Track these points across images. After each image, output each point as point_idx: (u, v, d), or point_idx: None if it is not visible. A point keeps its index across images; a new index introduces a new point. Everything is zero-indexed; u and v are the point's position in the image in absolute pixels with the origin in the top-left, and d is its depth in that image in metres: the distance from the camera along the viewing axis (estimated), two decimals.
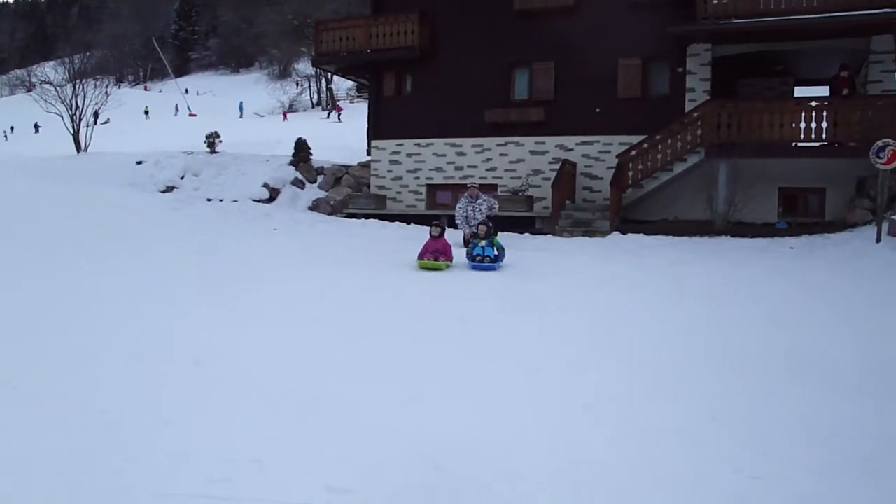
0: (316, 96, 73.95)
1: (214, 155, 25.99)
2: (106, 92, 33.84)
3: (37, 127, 57.08)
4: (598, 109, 20.34)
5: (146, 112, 68.62)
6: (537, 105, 21.14)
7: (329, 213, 22.17)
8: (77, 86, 31.92)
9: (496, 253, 12.64)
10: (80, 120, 31.40)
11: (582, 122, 20.52)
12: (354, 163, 25.26)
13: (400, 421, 5.19)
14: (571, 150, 20.76)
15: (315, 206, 22.68)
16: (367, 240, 16.51)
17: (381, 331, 7.92)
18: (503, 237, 14.46)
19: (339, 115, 58.25)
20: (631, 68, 20.16)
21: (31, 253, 12.00)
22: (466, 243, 14.22)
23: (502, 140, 21.65)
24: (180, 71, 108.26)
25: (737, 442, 4.93)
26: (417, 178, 22.89)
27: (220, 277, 10.96)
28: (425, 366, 6.59)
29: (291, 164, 24.20)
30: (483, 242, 12.72)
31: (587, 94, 20.31)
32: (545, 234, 18.31)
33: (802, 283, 11.29)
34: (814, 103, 17.47)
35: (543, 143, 21.16)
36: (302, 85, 77.08)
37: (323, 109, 68.53)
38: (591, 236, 17.36)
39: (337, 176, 24.27)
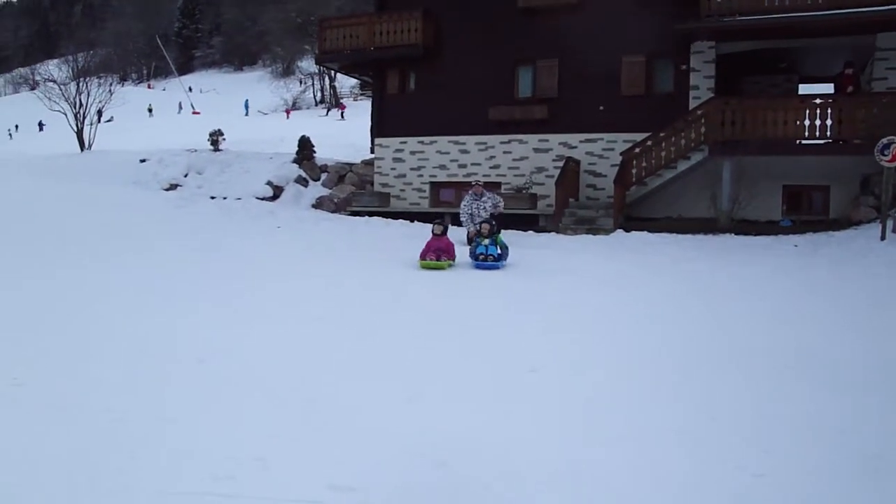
0: (319, 94, 73.93)
1: (218, 153, 26.01)
2: (109, 90, 33.89)
3: (41, 125, 57.16)
4: (601, 107, 20.32)
5: (150, 110, 68.70)
6: (541, 103, 21.12)
7: (333, 211, 22.17)
8: (81, 84, 31.98)
9: (499, 252, 12.59)
10: (84, 118, 31.44)
11: (586, 120, 20.49)
12: (358, 160, 25.26)
13: (402, 419, 5.18)
14: (575, 147, 20.74)
15: (319, 204, 22.70)
16: (370, 238, 16.50)
17: (383, 329, 7.91)
18: (507, 235, 14.45)
19: (342, 112, 58.28)
20: (635, 66, 20.13)
21: (34, 251, 12.01)
22: (470, 241, 14.20)
23: (506, 138, 21.64)
24: (184, 69, 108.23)
25: (740, 440, 4.92)
26: (421, 175, 22.89)
27: (224, 275, 10.97)
28: (427, 365, 6.58)
29: (295, 161, 24.21)
30: (486, 241, 12.67)
31: (591, 92, 20.29)
32: (549, 231, 18.30)
33: (806, 281, 11.28)
34: (818, 101, 17.45)
35: (547, 140, 21.14)
36: (305, 83, 77.04)
37: (322, 107, 68.61)
38: (594, 234, 17.34)
39: (340, 174, 24.28)
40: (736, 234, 16.61)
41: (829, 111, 16.98)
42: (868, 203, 16.81)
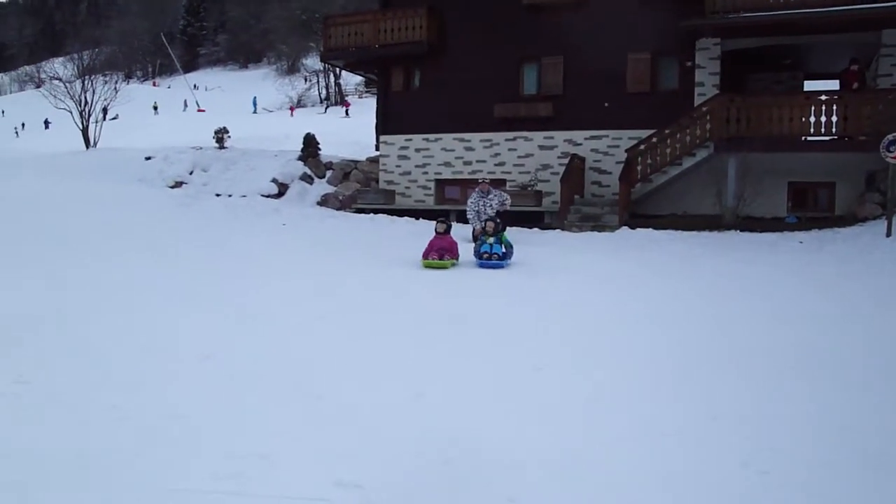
0: (324, 92, 73.95)
1: (223, 150, 26.00)
2: (115, 88, 33.93)
3: (47, 123, 57.25)
4: (606, 104, 20.31)
5: (155, 108, 68.70)
6: (546, 100, 21.11)
7: (338, 209, 22.17)
8: (86, 82, 32.00)
9: (504, 250, 12.53)
10: (89, 116, 31.48)
11: (591, 117, 20.48)
12: (363, 158, 25.26)
13: (407, 417, 5.19)
14: (580, 144, 20.73)
15: (324, 202, 22.69)
16: (375, 235, 16.52)
17: (387, 328, 7.92)
18: (512, 232, 14.44)
19: (346, 110, 58.33)
20: (640, 62, 20.11)
21: (39, 249, 12.04)
22: (476, 238, 14.19)
23: (511, 135, 21.63)
24: (189, 67, 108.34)
25: (744, 438, 4.92)
26: (426, 173, 22.89)
27: (229, 273, 10.99)
28: (431, 363, 6.59)
29: (300, 159, 24.20)
30: (491, 239, 12.61)
31: (596, 89, 20.28)
32: (554, 228, 18.30)
33: (811, 279, 11.26)
34: (823, 97, 17.44)
35: (552, 137, 21.13)
36: (310, 80, 77.07)
37: (322, 104, 68.76)
38: (599, 231, 17.34)
39: (345, 171, 24.28)
40: (741, 230, 16.58)
41: (834, 108, 16.96)
42: (873, 200, 16.79)
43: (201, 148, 26.37)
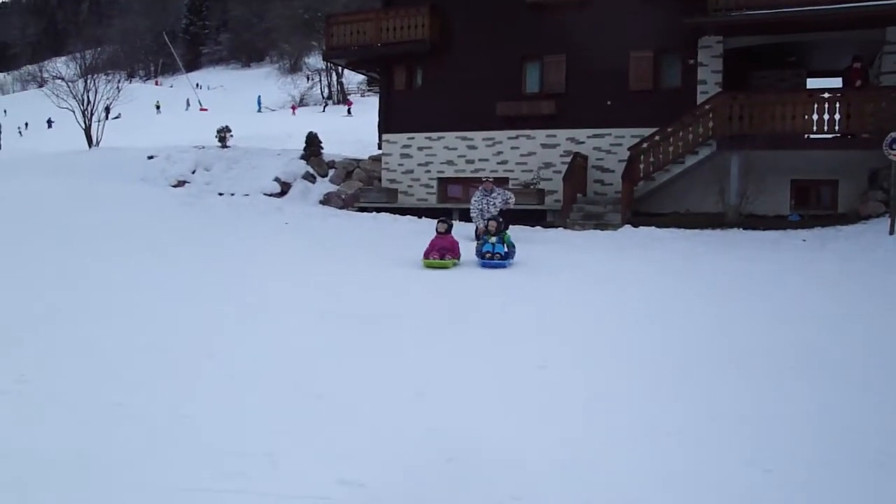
0: (327, 90, 73.99)
1: (226, 149, 26.01)
2: (117, 87, 33.96)
3: (49, 122, 57.28)
4: (609, 102, 20.29)
5: (157, 107, 68.78)
6: (549, 98, 21.09)
7: (340, 207, 22.17)
8: (88, 81, 32.02)
9: (506, 250, 12.43)
10: (92, 115, 31.50)
11: (593, 115, 20.46)
12: (366, 157, 25.25)
13: (410, 415, 5.20)
14: (583, 143, 20.72)
15: (326, 200, 22.69)
16: (377, 234, 16.53)
17: (389, 327, 7.92)
18: (514, 230, 14.44)
19: (349, 108, 58.37)
20: (642, 61, 20.09)
21: (41, 248, 12.05)
22: (479, 237, 14.15)
23: (513, 133, 21.62)
24: (191, 66, 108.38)
25: (745, 437, 4.91)
26: (429, 171, 22.88)
27: (232, 272, 11.01)
28: (433, 361, 6.59)
29: (302, 158, 24.19)
30: (493, 239, 12.51)
31: (599, 87, 20.26)
32: (556, 227, 18.29)
33: (814, 277, 11.27)
34: (826, 95, 17.43)
35: (555, 136, 21.12)
36: (313, 79, 77.09)
37: (321, 103, 68.88)
38: (602, 229, 17.33)
39: (348, 170, 24.27)
40: (744, 228, 16.56)
41: (837, 105, 16.94)
42: (876, 197, 16.76)
43: (204, 147, 26.38)
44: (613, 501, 4.02)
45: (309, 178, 23.56)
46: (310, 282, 10.45)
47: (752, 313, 8.83)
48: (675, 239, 15.43)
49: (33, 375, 5.73)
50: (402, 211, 20.90)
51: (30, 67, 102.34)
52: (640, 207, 18.76)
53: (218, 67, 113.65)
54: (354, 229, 17.19)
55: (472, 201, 16.59)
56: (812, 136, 17.45)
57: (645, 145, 18.58)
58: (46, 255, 11.50)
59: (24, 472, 4.08)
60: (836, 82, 20.20)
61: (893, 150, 14.64)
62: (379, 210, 21.13)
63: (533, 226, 18.16)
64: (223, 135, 26.67)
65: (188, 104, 73.11)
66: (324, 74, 74.16)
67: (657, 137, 18.42)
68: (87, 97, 31.29)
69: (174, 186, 23.44)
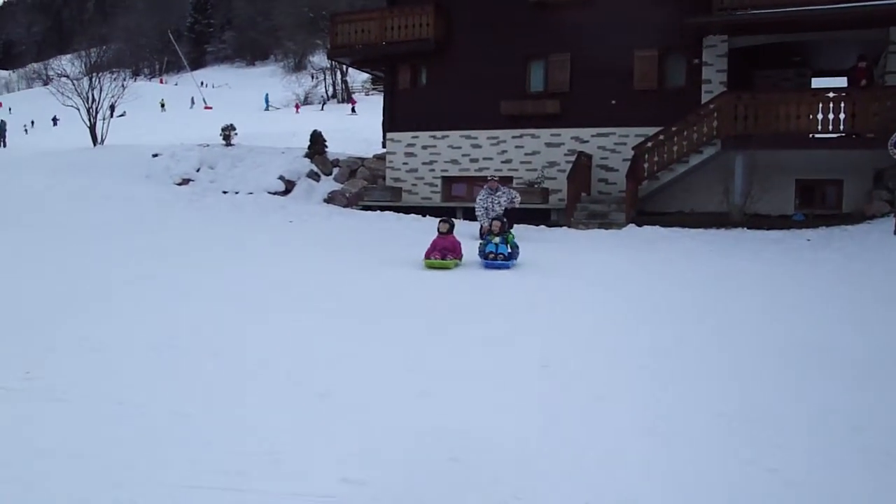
0: (331, 89, 74.04)
1: (230, 147, 26.05)
2: (122, 85, 33.94)
3: (55, 120, 57.34)
4: (613, 101, 20.29)
5: (162, 105, 68.83)
6: (553, 97, 21.08)
7: (344, 206, 22.20)
8: (93, 79, 32.02)
9: (510, 250, 12.28)
10: (97, 113, 31.52)
11: (598, 114, 20.45)
12: (370, 155, 25.27)
13: (413, 414, 5.19)
14: (587, 142, 20.71)
15: (330, 199, 22.71)
16: (381, 233, 16.54)
17: (391, 326, 7.92)
18: (518, 229, 14.44)
19: (353, 107, 58.42)
20: (647, 60, 20.07)
21: (47, 245, 12.08)
22: (483, 236, 14.12)
23: (518, 132, 21.61)
24: (196, 64, 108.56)
25: (751, 436, 4.90)
26: (433, 170, 22.89)
27: (235, 270, 11.02)
28: (436, 360, 6.58)
29: (307, 156, 24.23)
30: (497, 239, 12.35)
31: (603, 86, 20.25)
32: (561, 226, 18.31)
33: (819, 277, 11.24)
34: (831, 94, 17.40)
35: (559, 135, 21.11)
36: (317, 77, 77.14)
37: (319, 102, 69.02)
38: (606, 229, 17.32)
39: (352, 168, 24.29)
40: (748, 228, 16.55)
41: (842, 105, 16.91)
42: (881, 197, 16.73)
43: (208, 145, 26.43)
44: (616, 501, 4.01)
45: (313, 176, 23.59)
46: (312, 281, 10.45)
47: (756, 312, 8.82)
48: (679, 238, 15.42)
49: (39, 372, 5.74)
50: (407, 210, 20.92)
51: (35, 65, 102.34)
52: (645, 207, 18.75)
53: (222, 66, 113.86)
54: (358, 228, 17.21)
55: (478, 200, 16.62)
56: (817, 135, 17.42)
57: (649, 144, 18.57)
58: (50, 253, 11.53)
59: (28, 468, 4.09)
60: (841, 82, 20.19)
61: None
62: (383, 209, 21.15)
63: (537, 225, 18.18)
64: (228, 133, 26.71)
65: (193, 102, 73.20)
66: (328, 73, 74.22)
67: (661, 137, 18.41)
68: (92, 95, 31.29)
69: (179, 184, 23.47)
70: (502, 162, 21.83)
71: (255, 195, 22.06)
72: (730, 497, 4.08)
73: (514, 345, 7.21)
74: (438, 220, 12.93)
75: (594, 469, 4.36)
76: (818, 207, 18.23)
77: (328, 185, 23.49)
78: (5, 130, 42.14)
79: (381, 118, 24.81)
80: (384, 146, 24.20)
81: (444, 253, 12.06)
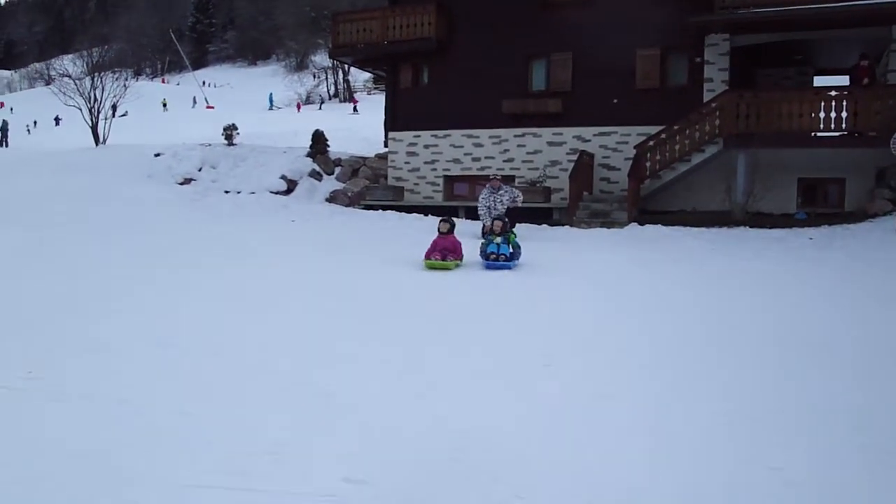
0: (333, 88, 74.09)
1: (232, 147, 26.05)
2: (124, 84, 33.93)
3: (57, 120, 57.41)
4: (615, 100, 20.27)
5: (164, 104, 68.90)
6: (555, 96, 21.07)
7: (346, 205, 22.19)
8: (95, 79, 32.02)
9: (511, 251, 12.13)
10: (99, 113, 31.53)
11: (600, 113, 20.44)
12: (372, 154, 25.27)
13: (414, 414, 5.20)
14: (589, 140, 20.70)
15: (332, 198, 22.70)
16: (383, 232, 16.54)
17: (393, 325, 7.92)
18: (520, 229, 14.42)
19: (355, 106, 58.46)
20: (649, 59, 20.05)
21: (48, 245, 12.09)
22: (485, 235, 14.09)
23: (520, 131, 21.60)
24: (198, 63, 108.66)
25: (754, 435, 4.90)
26: (435, 169, 22.88)
27: (237, 270, 11.02)
28: (438, 359, 6.59)
29: (309, 155, 24.21)
30: (498, 239, 12.21)
31: (605, 85, 20.22)
32: (563, 225, 18.29)
33: (821, 275, 11.23)
34: (833, 93, 17.37)
35: (561, 134, 21.10)
36: (319, 77, 77.19)
37: (316, 101, 69.11)
38: (608, 227, 17.30)
39: (354, 168, 24.29)
40: (751, 227, 16.52)
41: (844, 103, 16.88)
42: (884, 195, 16.72)
43: (210, 145, 26.42)
44: (617, 500, 4.01)
45: (315, 175, 23.58)
46: (313, 281, 10.45)
47: (758, 311, 8.81)
48: (681, 237, 15.41)
49: (41, 372, 5.74)
50: (409, 209, 20.87)
51: (37, 65, 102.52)
52: (647, 205, 18.74)
53: (224, 65, 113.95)
54: (360, 227, 17.21)
55: (480, 199, 16.60)
56: (819, 134, 17.39)
57: (651, 143, 18.55)
58: (51, 253, 11.54)
59: (31, 468, 4.10)
60: (844, 80, 20.14)
61: None
62: (385, 208, 21.13)
63: (539, 224, 18.16)
64: (229, 132, 26.71)
65: (195, 102, 73.28)
66: (330, 72, 74.26)
67: (664, 135, 18.40)
68: (94, 95, 31.28)
69: (181, 184, 23.46)
70: (504, 161, 21.81)
71: (256, 195, 22.06)
72: (731, 496, 4.08)
73: (515, 344, 7.21)
74: (440, 220, 12.72)
75: (595, 468, 4.37)
76: (820, 206, 18.21)
77: (330, 184, 23.48)
78: (7, 130, 42.17)
79: (382, 117, 24.80)
80: (386, 145, 24.20)
81: (444, 253, 11.88)
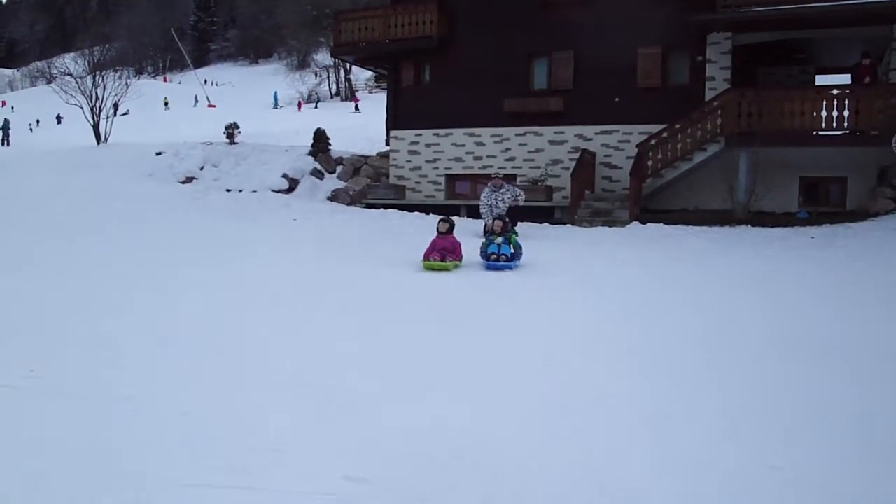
0: (335, 87, 74.08)
1: (233, 145, 26.06)
2: (125, 83, 33.98)
3: (59, 118, 57.40)
4: (617, 99, 20.27)
5: (165, 103, 68.89)
6: (556, 95, 21.07)
7: (348, 204, 22.19)
8: (97, 77, 32.05)
9: (512, 251, 11.96)
10: (100, 111, 31.56)
11: (601, 112, 20.44)
12: (373, 153, 25.27)
13: (415, 412, 5.19)
14: (591, 139, 20.70)
15: (334, 197, 22.70)
16: (385, 231, 16.53)
17: (394, 325, 7.91)
18: (522, 227, 14.40)
19: (356, 105, 58.45)
20: (650, 57, 20.05)
21: (50, 243, 12.09)
22: (486, 233, 14.06)
23: (521, 130, 21.61)
24: (199, 62, 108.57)
25: (755, 434, 4.90)
26: (436, 168, 22.88)
27: (239, 268, 11.02)
28: (438, 358, 6.59)
29: (310, 154, 24.22)
30: (499, 239, 12.05)
31: (606, 84, 20.22)
32: (564, 224, 18.28)
33: (823, 274, 11.23)
34: (835, 91, 17.37)
35: (563, 132, 21.10)
36: (321, 76, 77.18)
37: (313, 100, 69.15)
38: (610, 226, 17.31)
39: (356, 166, 24.29)
40: (752, 225, 16.52)
41: (846, 102, 16.88)
42: (885, 194, 16.71)
43: (212, 143, 26.44)
44: (618, 498, 4.01)
45: (317, 174, 23.58)
46: (314, 279, 10.45)
47: (759, 309, 8.81)
48: (683, 236, 15.41)
49: (42, 370, 5.74)
50: (410, 207, 20.88)
51: (38, 64, 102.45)
52: (649, 204, 18.74)
53: (226, 64, 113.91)
54: (362, 226, 17.21)
55: (482, 197, 16.59)
56: (821, 132, 17.40)
57: (653, 142, 18.55)
58: (52, 251, 11.54)
59: (34, 466, 4.09)
60: (845, 79, 20.13)
61: None
62: (387, 206, 21.13)
63: (541, 222, 18.16)
64: (231, 131, 26.72)
65: (196, 100, 73.22)
66: (332, 71, 74.24)
67: (665, 134, 18.39)
68: (96, 93, 31.34)
69: (182, 183, 23.49)
70: (506, 159, 21.82)
71: (258, 193, 22.07)
72: (732, 494, 4.08)
73: (516, 342, 7.21)
74: (439, 220, 12.47)
75: (596, 466, 4.36)
76: (822, 205, 18.22)
77: (332, 182, 23.49)
78: (9, 129, 42.21)
79: (384, 116, 24.80)
80: (388, 144, 24.20)
81: (443, 254, 11.68)
